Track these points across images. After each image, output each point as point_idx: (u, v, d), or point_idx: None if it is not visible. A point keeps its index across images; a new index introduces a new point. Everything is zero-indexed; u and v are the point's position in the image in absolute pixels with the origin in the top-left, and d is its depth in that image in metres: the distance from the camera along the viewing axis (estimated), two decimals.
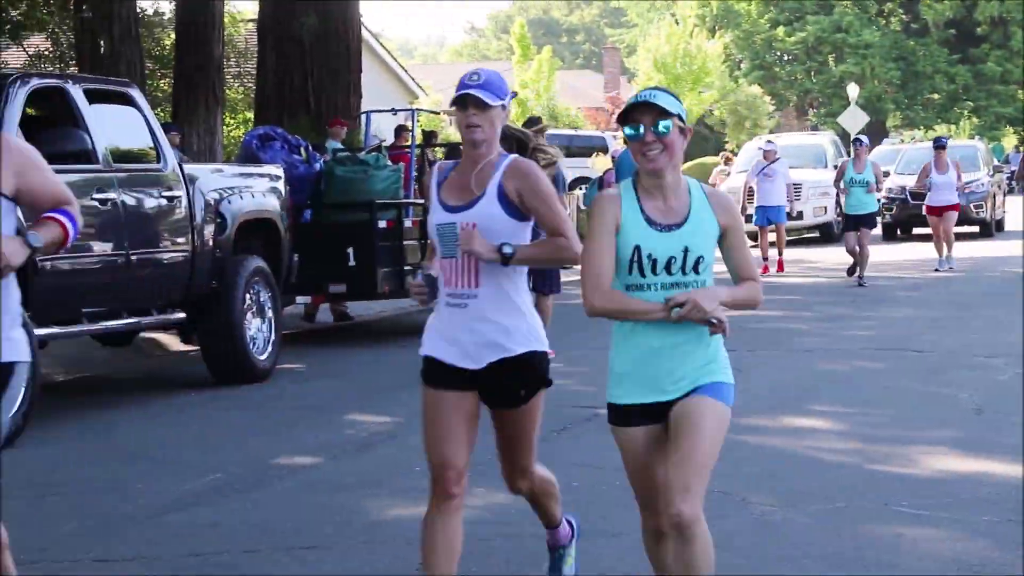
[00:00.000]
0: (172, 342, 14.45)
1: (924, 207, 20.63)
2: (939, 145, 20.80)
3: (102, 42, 17.80)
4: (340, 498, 7.31)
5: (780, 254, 21.06)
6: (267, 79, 21.24)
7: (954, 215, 20.11)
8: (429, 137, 20.29)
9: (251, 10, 36.47)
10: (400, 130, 20.79)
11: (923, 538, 6.13)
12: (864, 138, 19.51)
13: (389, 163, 14.45)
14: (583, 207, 26.69)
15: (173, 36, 24.47)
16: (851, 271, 18.74)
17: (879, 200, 20.78)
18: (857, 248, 18.30)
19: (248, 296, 11.58)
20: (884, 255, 23.88)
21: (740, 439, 8.47)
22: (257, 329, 11.75)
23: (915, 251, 24.35)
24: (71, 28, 21.55)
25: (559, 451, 8.30)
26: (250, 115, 26.14)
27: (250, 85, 28.19)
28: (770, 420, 9.06)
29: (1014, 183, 39.50)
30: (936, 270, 19.60)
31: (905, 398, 9.66)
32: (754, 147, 29.77)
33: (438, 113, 26.86)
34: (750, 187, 21.96)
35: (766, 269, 20.17)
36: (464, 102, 4.91)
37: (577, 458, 8.05)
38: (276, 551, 6.32)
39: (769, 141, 22.28)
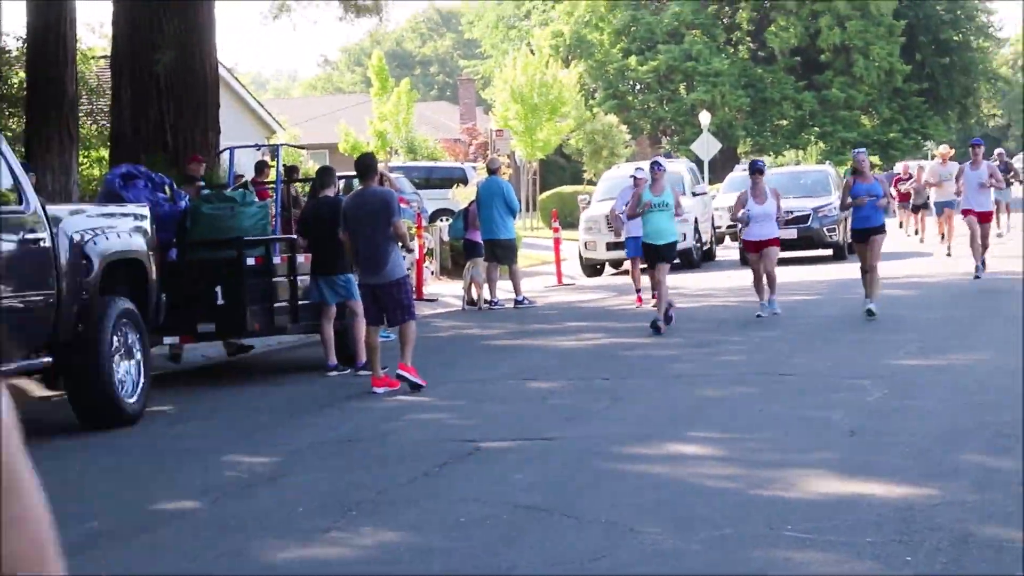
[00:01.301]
0: (35, 388, 14.08)
1: (741, 242, 19.74)
2: (755, 169, 17.89)
3: None
4: (226, 542, 7.18)
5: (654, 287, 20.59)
6: (122, 116, 20.89)
7: (775, 251, 17.56)
8: (291, 172, 20.12)
9: (102, 46, 35.87)
10: (261, 166, 20.61)
11: (812, 562, 6.21)
12: (662, 161, 18.08)
13: (256, 199, 14.31)
14: (446, 239, 26.71)
15: (22, 74, 23.96)
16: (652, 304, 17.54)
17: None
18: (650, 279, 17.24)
19: (116, 338, 11.35)
20: (745, 280, 24.30)
21: (622, 468, 8.55)
22: (125, 372, 11.53)
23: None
24: None
25: (440, 487, 8.27)
26: (104, 153, 25.67)
27: (104, 122, 27.68)
28: (650, 448, 9.13)
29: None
30: (757, 315, 17.10)
31: (780, 422, 9.81)
32: (614, 176, 30.15)
33: (301, 148, 26.63)
34: (618, 216, 21.29)
35: (640, 300, 19.70)
36: None
37: (461, 493, 8.02)
38: None
39: (639, 168, 21.29)
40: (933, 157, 32.78)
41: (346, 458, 9.42)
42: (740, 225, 18.51)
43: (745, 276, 26.31)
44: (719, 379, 12.21)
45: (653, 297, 17.30)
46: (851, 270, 23.18)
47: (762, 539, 6.61)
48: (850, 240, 18.21)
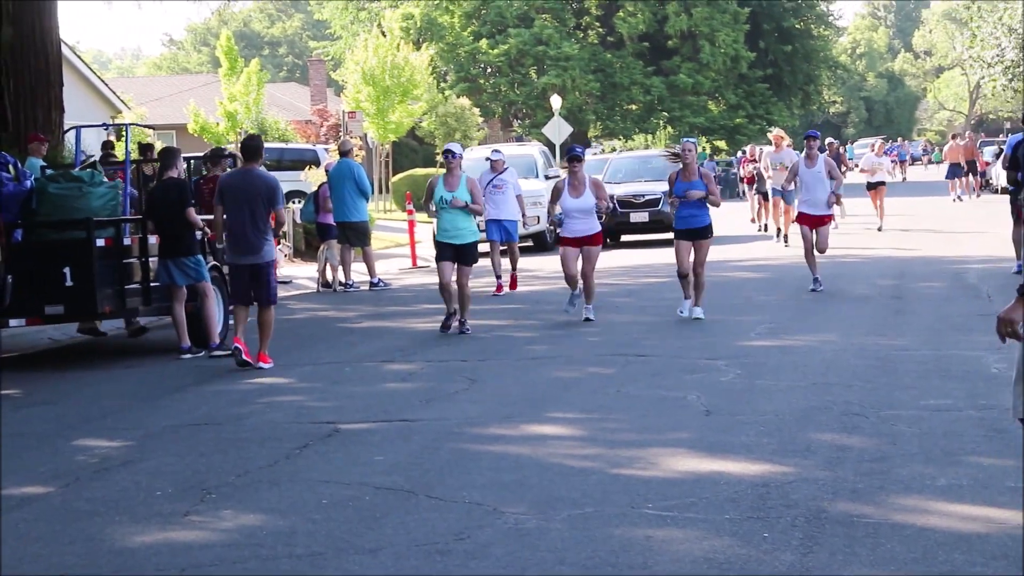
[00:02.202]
0: None
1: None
2: (572, 157, 15.38)
3: None
4: (79, 527, 7.03)
5: (514, 269, 19.82)
6: None
7: (595, 251, 15.53)
8: (147, 150, 19.74)
9: None
10: (107, 145, 20.16)
11: (672, 539, 6.31)
12: (455, 148, 14.95)
13: (105, 180, 14.01)
14: (299, 221, 26.46)
15: None
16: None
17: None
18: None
19: None
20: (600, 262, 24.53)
21: (483, 448, 8.58)
22: None
23: (625, 258, 25.11)
24: None
25: (301, 469, 8.22)
26: None
27: None
28: (510, 428, 9.17)
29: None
30: (565, 310, 15.78)
31: (637, 402, 9.94)
32: (467, 158, 30.14)
33: (150, 128, 26.13)
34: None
35: (500, 288, 19.18)
36: None
37: (322, 475, 7.98)
38: None
39: (496, 151, 20.82)
40: None
41: (203, 441, 9.29)
42: (552, 226, 16.53)
43: (601, 259, 26.37)
44: (576, 361, 12.31)
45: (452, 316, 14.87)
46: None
47: (623, 517, 6.70)
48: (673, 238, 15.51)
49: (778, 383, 10.49)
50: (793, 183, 18.66)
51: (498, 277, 19.43)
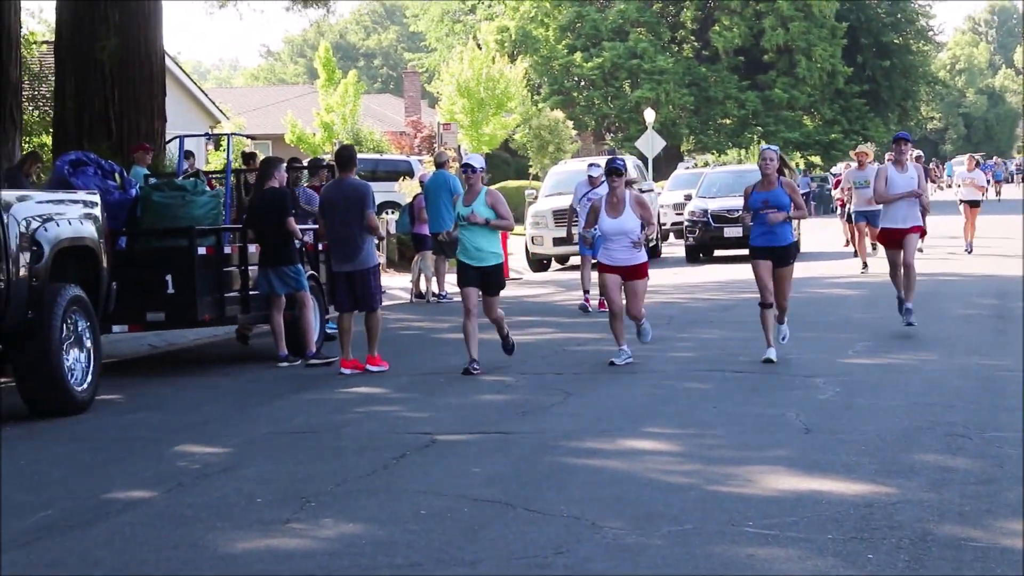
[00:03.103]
0: None
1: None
2: (611, 170, 13.20)
3: None
4: (183, 533, 7.11)
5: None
6: (66, 103, 20.64)
7: (642, 285, 13.24)
8: (250, 159, 19.98)
9: (43, 31, 35.49)
10: (248, 157, 20.42)
11: (775, 558, 6.24)
12: (475, 161, 13.25)
13: (208, 188, 14.21)
14: (393, 232, 26.63)
15: None
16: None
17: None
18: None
19: (66, 326, 11.22)
20: (689, 277, 24.45)
21: (580, 462, 8.56)
22: (75, 360, 11.41)
23: (719, 273, 24.95)
24: None
25: (399, 479, 8.25)
26: (46, 140, 25.37)
27: (45, 108, 27.36)
28: (607, 443, 9.14)
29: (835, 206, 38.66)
30: (611, 362, 12.99)
31: (735, 419, 9.86)
32: (560, 171, 30.21)
33: (253, 138, 26.46)
34: (575, 210, 19.57)
35: (588, 303, 18.55)
36: None
37: (420, 485, 8.00)
38: None
39: (595, 164, 19.72)
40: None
41: (302, 449, 9.37)
42: (582, 244, 14.46)
43: (694, 273, 26.53)
44: (671, 376, 12.26)
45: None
46: (801, 269, 23.20)
47: (724, 535, 6.64)
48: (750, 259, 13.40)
49: (878, 402, 10.36)
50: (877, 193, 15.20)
51: (586, 292, 18.73)
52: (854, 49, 67.30)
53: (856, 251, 24.64)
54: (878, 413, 9.85)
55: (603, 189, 18.12)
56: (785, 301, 13.07)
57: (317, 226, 15.33)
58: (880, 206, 15.71)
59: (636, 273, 12.96)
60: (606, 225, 12.92)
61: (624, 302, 13.06)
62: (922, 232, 15.50)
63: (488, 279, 13.01)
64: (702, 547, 6.44)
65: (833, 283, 21.55)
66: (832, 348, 13.62)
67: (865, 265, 23.27)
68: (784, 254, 12.92)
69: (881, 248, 16.09)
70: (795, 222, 13.30)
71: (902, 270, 14.76)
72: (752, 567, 6.11)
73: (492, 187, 12.21)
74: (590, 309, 18.52)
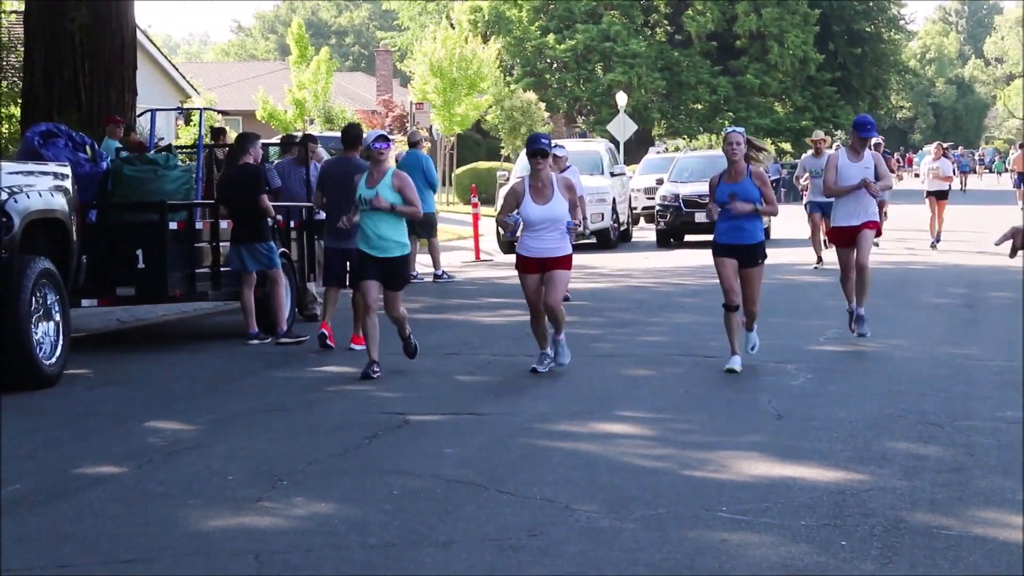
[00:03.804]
0: None
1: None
2: (535, 151, 11.30)
3: None
4: (154, 509, 7.06)
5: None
6: (35, 74, 20.39)
7: (563, 276, 11.56)
8: (219, 135, 19.85)
9: (13, 1, 35.13)
10: (217, 133, 20.28)
11: (748, 544, 6.24)
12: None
13: (180, 163, 14.11)
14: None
15: None
16: None
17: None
18: None
19: (35, 299, 11.12)
20: (660, 261, 24.47)
21: (553, 445, 8.55)
22: (44, 333, 11.31)
23: (690, 258, 24.97)
24: None
25: (372, 459, 8.22)
26: (15, 111, 25.12)
27: (14, 79, 27.09)
28: (580, 426, 9.13)
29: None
30: (532, 369, 11.47)
31: (708, 404, 9.87)
32: None
33: (225, 113, 26.31)
34: None
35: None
36: None
37: (393, 465, 7.97)
38: (94, 565, 6.06)
39: (559, 146, 18.21)
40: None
41: (273, 428, 9.32)
42: (505, 231, 12.43)
43: (665, 257, 26.52)
44: (643, 359, 12.25)
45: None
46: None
47: (697, 520, 6.65)
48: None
49: (850, 389, 10.39)
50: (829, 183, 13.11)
51: None
52: (826, 36, 67.44)
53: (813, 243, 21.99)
54: (850, 400, 9.88)
55: (570, 174, 16.61)
56: (755, 306, 11.58)
57: (288, 203, 15.27)
58: (829, 198, 13.99)
59: (558, 264, 11.35)
60: (532, 213, 11.25)
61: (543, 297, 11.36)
62: (877, 229, 13.80)
63: (391, 272, 11.53)
64: (676, 531, 6.44)
65: (802, 270, 21.58)
66: (803, 335, 13.65)
67: (819, 260, 21.48)
68: (752, 253, 11.36)
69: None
70: (765, 216, 11.71)
71: (854, 273, 12.95)
72: (726, 552, 6.11)
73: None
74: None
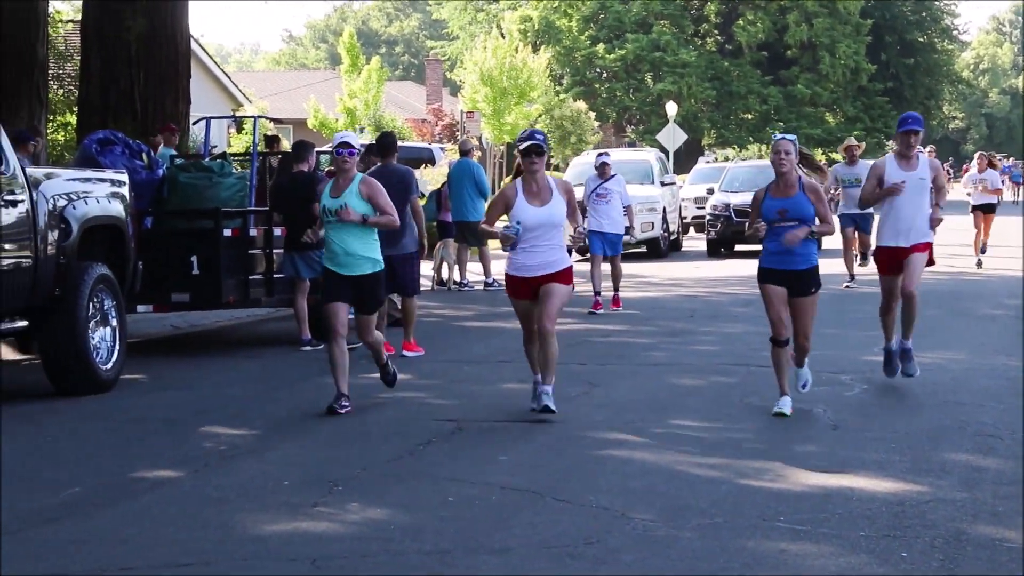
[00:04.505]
0: (4, 351, 13.91)
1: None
2: (530, 149, 9.78)
3: None
4: (210, 513, 7.10)
5: (617, 289, 17.58)
6: (91, 82, 20.62)
7: (561, 292, 9.82)
8: (273, 143, 19.97)
9: (68, 9, 35.49)
10: (271, 141, 20.42)
11: (807, 554, 6.20)
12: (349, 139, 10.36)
13: (235, 170, 14.20)
14: None
15: None
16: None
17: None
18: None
19: (92, 304, 11.22)
20: (711, 271, 24.38)
21: (608, 454, 8.52)
22: (101, 338, 11.41)
23: (741, 268, 24.84)
24: None
25: (426, 465, 8.23)
26: (71, 119, 25.38)
27: (70, 87, 27.37)
28: (634, 435, 9.10)
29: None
30: (532, 408, 9.89)
31: (762, 413, 9.80)
32: (583, 162, 30.04)
33: (278, 122, 26.44)
34: (583, 206, 17.42)
35: (598, 306, 17.15)
36: None
37: (447, 472, 7.97)
38: (154, 569, 6.10)
39: (604, 153, 18.93)
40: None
41: (327, 433, 9.35)
42: (504, 245, 9.87)
43: (716, 267, 26.33)
44: (696, 369, 12.20)
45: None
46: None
47: (755, 530, 6.60)
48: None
49: (906, 400, 10.31)
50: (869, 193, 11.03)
51: (597, 293, 17.25)
52: (878, 46, 67.03)
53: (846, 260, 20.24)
54: (906, 411, 9.80)
55: (614, 183, 17.33)
56: (807, 340, 9.97)
57: None
58: (870, 209, 12.27)
59: (557, 278, 9.73)
60: (528, 214, 9.64)
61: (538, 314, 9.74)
62: (930, 254, 11.10)
63: (362, 292, 10.17)
64: (733, 541, 6.40)
65: (858, 280, 21.38)
66: (857, 345, 13.55)
67: (852, 277, 20.01)
68: (804, 280, 9.70)
69: (870, 257, 12.42)
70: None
71: (898, 304, 11.04)
72: (784, 562, 6.07)
73: (367, 174, 9.75)
74: (599, 311, 17.16)
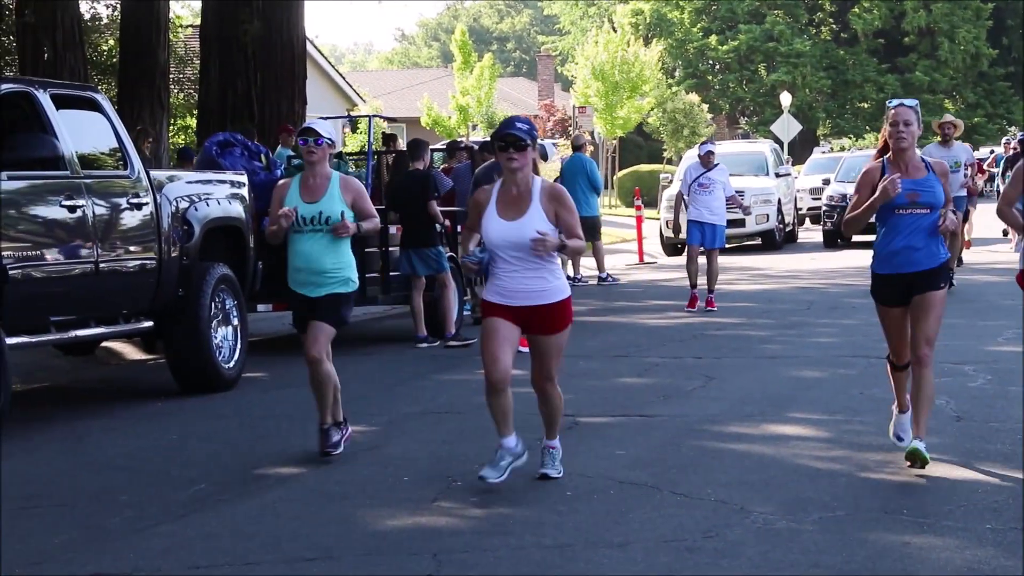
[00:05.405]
0: (130, 351, 14.24)
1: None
2: (511, 139, 7.46)
3: (45, 48, 17.49)
4: (333, 508, 7.20)
5: (711, 291, 16.47)
6: (210, 85, 21.00)
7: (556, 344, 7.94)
8: (390, 141, 20.18)
9: (187, 14, 36.15)
10: (388, 139, 20.66)
11: (932, 547, 6.13)
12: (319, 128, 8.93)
13: (351, 169, 14.36)
14: None
15: (111, 41, 24.16)
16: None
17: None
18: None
19: (214, 304, 11.43)
20: (827, 262, 24.10)
21: (726, 447, 8.49)
22: (223, 337, 11.61)
23: (858, 259, 24.52)
24: (7, 31, 21.17)
25: None
26: (191, 122, 25.86)
27: (190, 91, 27.89)
28: (752, 428, 9.05)
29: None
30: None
31: (883, 405, 9.62)
32: (695, 155, 29.85)
33: (393, 120, 26.69)
34: (682, 197, 17.38)
35: (695, 301, 16.30)
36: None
37: (565, 467, 7.97)
38: (279, 563, 6.21)
39: (707, 141, 18.08)
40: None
41: (445, 429, 9.44)
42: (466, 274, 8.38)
43: (832, 258, 25.87)
44: (814, 361, 12.09)
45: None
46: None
47: (877, 522, 6.54)
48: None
49: None
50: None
51: (693, 287, 16.43)
52: (999, 30, 65.64)
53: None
54: None
55: (717, 172, 16.35)
56: (930, 348, 7.84)
57: (457, 208, 15.42)
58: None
59: (549, 319, 7.58)
60: (495, 230, 7.43)
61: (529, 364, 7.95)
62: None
63: (324, 313, 8.46)
64: (855, 534, 6.35)
65: (977, 269, 21.06)
66: (980, 335, 13.32)
67: (960, 263, 19.43)
68: (932, 278, 7.75)
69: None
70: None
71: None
72: (908, 555, 6.00)
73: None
74: (694, 308, 16.30)
